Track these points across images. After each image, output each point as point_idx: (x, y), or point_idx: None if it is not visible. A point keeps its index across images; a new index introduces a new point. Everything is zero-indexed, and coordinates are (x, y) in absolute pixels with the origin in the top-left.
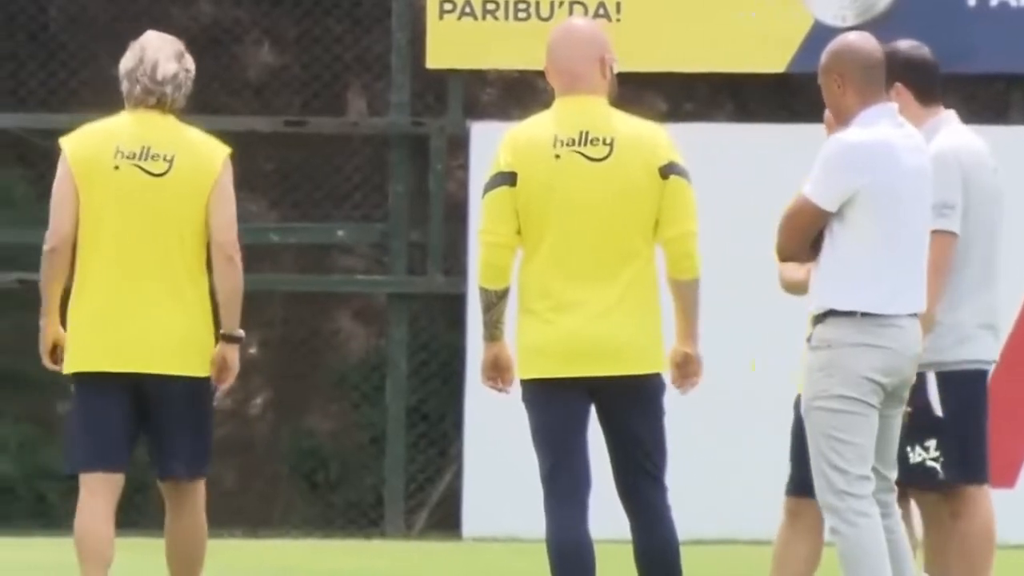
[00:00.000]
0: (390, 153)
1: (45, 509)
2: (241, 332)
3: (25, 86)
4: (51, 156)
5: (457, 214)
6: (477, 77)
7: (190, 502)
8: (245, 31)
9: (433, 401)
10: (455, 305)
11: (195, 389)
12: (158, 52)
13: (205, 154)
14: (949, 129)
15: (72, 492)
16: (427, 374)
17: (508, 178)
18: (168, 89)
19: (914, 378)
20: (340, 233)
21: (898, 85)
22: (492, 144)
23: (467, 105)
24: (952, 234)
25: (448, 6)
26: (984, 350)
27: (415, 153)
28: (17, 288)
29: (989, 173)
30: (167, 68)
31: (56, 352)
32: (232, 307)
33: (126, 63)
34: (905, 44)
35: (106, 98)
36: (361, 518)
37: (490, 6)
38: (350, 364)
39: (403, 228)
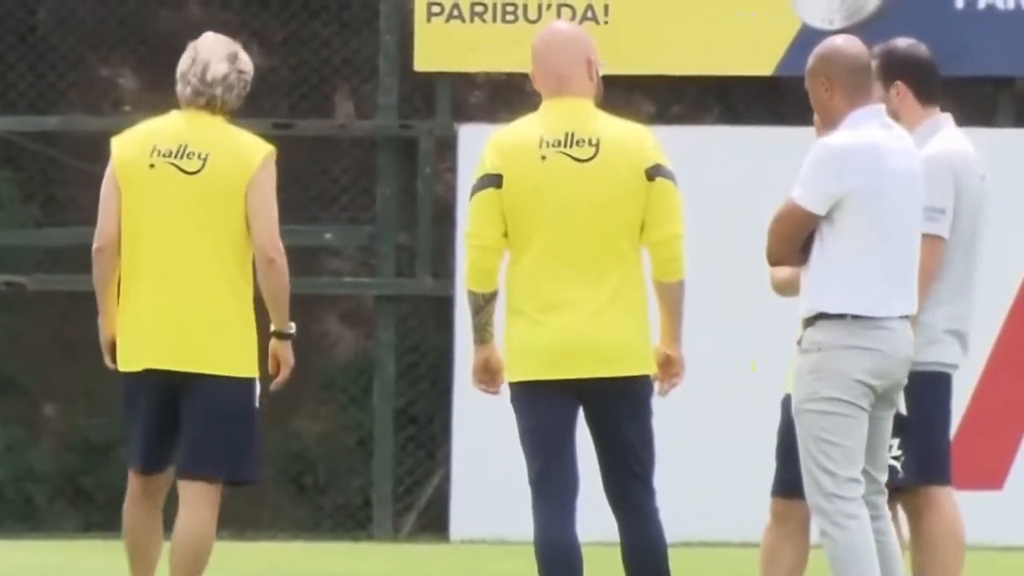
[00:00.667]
0: (378, 156)
1: (32, 511)
2: (291, 328)
3: (14, 88)
4: (39, 159)
5: (445, 216)
6: (465, 80)
7: (197, 504)
8: (233, 33)
9: (421, 403)
10: (443, 307)
11: (228, 389)
12: (211, 54)
13: (242, 152)
14: (945, 133)
15: (58, 494)
16: (415, 376)
17: (494, 180)
18: (218, 91)
19: (905, 380)
20: (328, 236)
21: (899, 83)
22: (480, 147)
23: (455, 108)
24: (940, 238)
25: (436, 9)
26: (951, 354)
27: (403, 156)
28: (4, 291)
29: (977, 180)
30: (217, 69)
31: (114, 352)
32: (278, 307)
33: (181, 64)
34: (903, 42)
35: (94, 100)
36: (349, 520)
37: (478, 9)
38: (338, 366)
39: (391, 231)
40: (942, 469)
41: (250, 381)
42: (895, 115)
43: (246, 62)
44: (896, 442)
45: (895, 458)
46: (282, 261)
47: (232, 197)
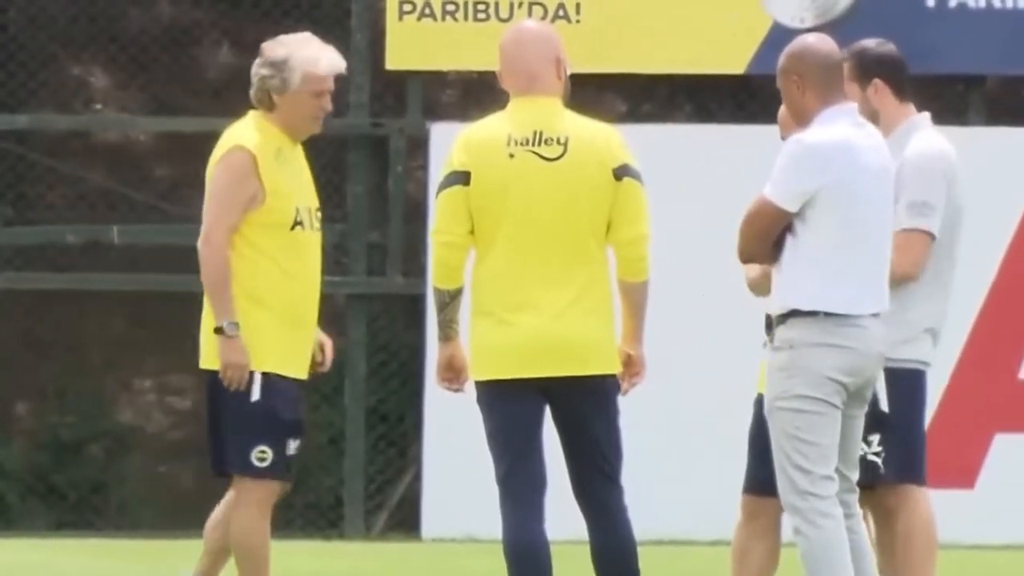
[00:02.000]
0: (349, 154)
1: (3, 510)
2: (224, 323)
3: None
4: (9, 157)
5: (417, 215)
6: (436, 78)
7: (235, 500)
8: (204, 32)
9: (392, 402)
10: (414, 306)
11: (209, 383)
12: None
13: (219, 145)
14: (930, 132)
15: (29, 493)
16: (386, 375)
17: (461, 177)
18: (251, 90)
19: (877, 378)
20: None
21: (876, 81)
22: (452, 145)
23: (426, 106)
24: (929, 234)
25: (407, 7)
26: (926, 353)
27: (374, 154)
28: None
29: (960, 183)
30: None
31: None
32: (208, 299)
33: None
34: (872, 42)
35: (65, 99)
36: (320, 519)
37: (449, 7)
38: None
39: (362, 229)
40: (920, 468)
41: (212, 373)
42: (874, 114)
43: (265, 61)
44: (876, 438)
45: (875, 455)
46: (207, 251)
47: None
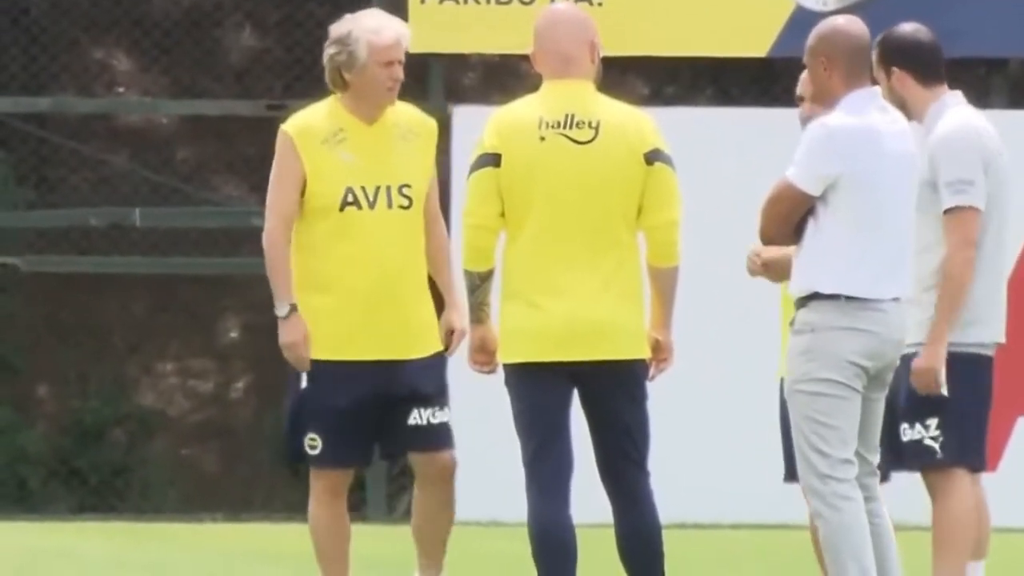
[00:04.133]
0: None
1: (26, 494)
2: (278, 307)
3: (6, 70)
4: (32, 140)
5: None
6: (458, 61)
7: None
8: (226, 15)
9: None
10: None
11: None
12: None
13: None
14: (959, 109)
15: (52, 476)
16: None
17: (492, 159)
18: (326, 73)
19: (897, 361)
20: None
21: (895, 70)
22: (474, 128)
23: (449, 89)
24: (974, 208)
25: None
26: (984, 335)
27: None
28: None
29: (1001, 154)
30: None
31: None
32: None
33: None
34: (901, 28)
35: (87, 82)
36: None
37: None
38: None
39: None
40: (972, 452)
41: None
42: (901, 101)
43: (332, 42)
44: (935, 422)
45: (933, 439)
46: (263, 238)
47: None
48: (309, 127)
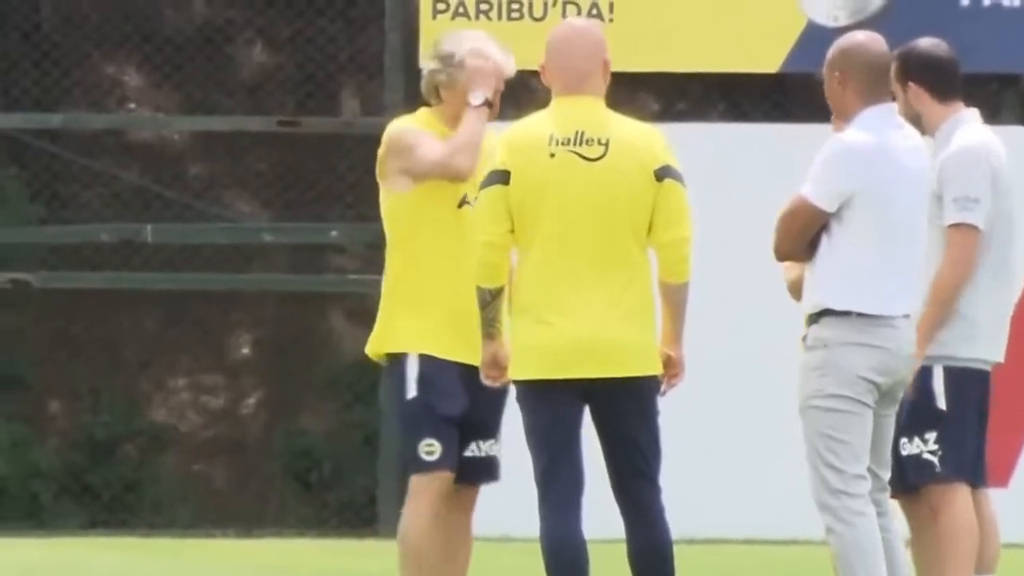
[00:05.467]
0: None
1: (37, 509)
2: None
3: (18, 86)
4: (44, 156)
5: None
6: None
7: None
8: (238, 31)
9: None
10: None
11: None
12: None
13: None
14: (972, 127)
15: (63, 492)
16: None
17: (501, 176)
18: (421, 82)
19: (909, 378)
20: (334, 233)
21: (911, 85)
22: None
23: None
24: (975, 228)
25: (441, 6)
26: (985, 351)
27: None
28: (8, 288)
29: (1008, 172)
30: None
31: None
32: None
33: None
34: (921, 43)
35: (99, 97)
36: (355, 518)
37: (483, 6)
38: (343, 364)
39: None
40: (969, 467)
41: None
42: (916, 116)
43: (434, 57)
44: (933, 436)
45: (932, 453)
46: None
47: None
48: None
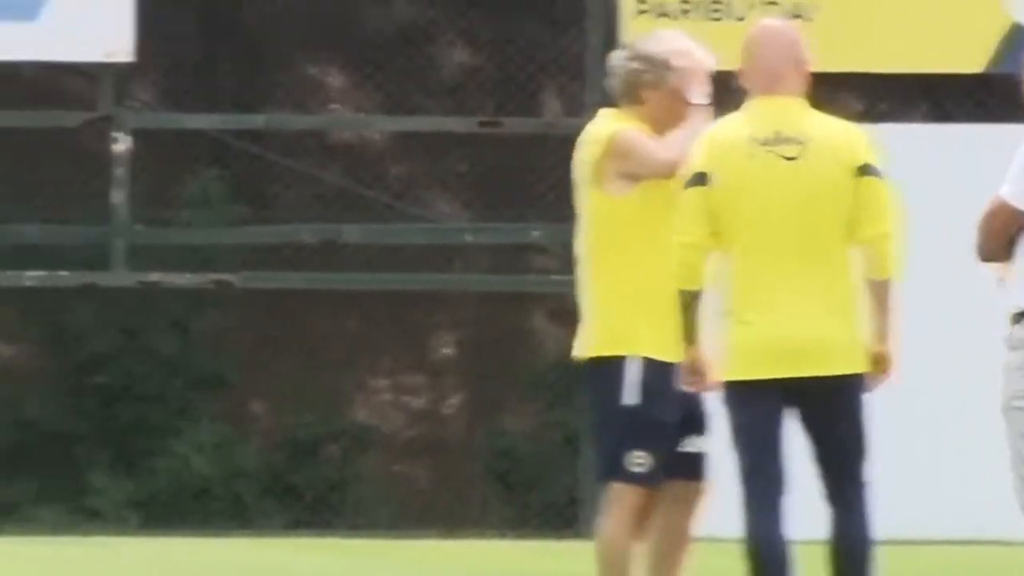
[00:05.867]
0: None
1: (241, 509)
2: None
3: (222, 87)
4: (246, 157)
5: None
6: None
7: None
8: (440, 31)
9: None
10: None
11: None
12: None
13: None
14: None
15: (266, 492)
16: None
17: (700, 178)
18: (613, 81)
19: None
20: (535, 233)
21: None
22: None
23: None
24: None
25: (643, 6)
26: None
27: None
28: (212, 289)
29: None
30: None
31: None
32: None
33: None
34: None
35: (301, 98)
36: (556, 518)
37: (685, 6)
38: (545, 364)
39: None
40: None
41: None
42: None
43: (639, 55)
44: None
45: None
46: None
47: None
48: None
